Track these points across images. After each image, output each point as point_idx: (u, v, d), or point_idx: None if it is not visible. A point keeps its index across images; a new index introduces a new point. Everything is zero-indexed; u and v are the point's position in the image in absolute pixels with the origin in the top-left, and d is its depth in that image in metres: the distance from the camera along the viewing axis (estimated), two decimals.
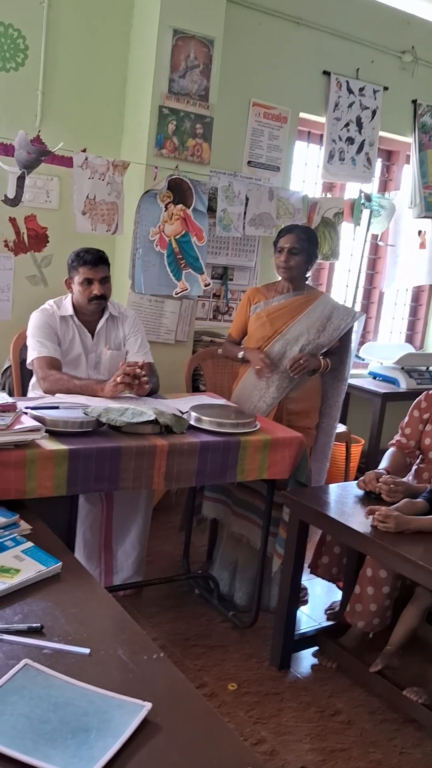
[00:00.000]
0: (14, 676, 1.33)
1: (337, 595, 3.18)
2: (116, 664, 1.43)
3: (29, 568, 1.72)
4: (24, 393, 3.12)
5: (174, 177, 3.67)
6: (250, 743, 2.21)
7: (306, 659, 2.75)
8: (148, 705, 1.27)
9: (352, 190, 4.84)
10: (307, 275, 3.18)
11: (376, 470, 2.68)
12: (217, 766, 1.17)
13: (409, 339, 5.66)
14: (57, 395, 2.70)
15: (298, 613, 2.89)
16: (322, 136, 4.65)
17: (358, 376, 4.95)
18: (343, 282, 5.11)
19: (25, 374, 3.15)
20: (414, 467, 2.87)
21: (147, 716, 1.25)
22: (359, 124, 4.74)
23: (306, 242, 3.08)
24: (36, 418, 2.25)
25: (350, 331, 3.17)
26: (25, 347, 3.05)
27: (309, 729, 2.35)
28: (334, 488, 2.76)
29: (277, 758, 2.19)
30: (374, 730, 2.37)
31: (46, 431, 2.20)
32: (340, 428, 4.40)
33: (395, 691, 2.40)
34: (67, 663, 1.40)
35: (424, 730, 2.36)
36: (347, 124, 4.69)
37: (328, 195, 4.72)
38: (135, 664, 1.43)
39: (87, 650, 1.45)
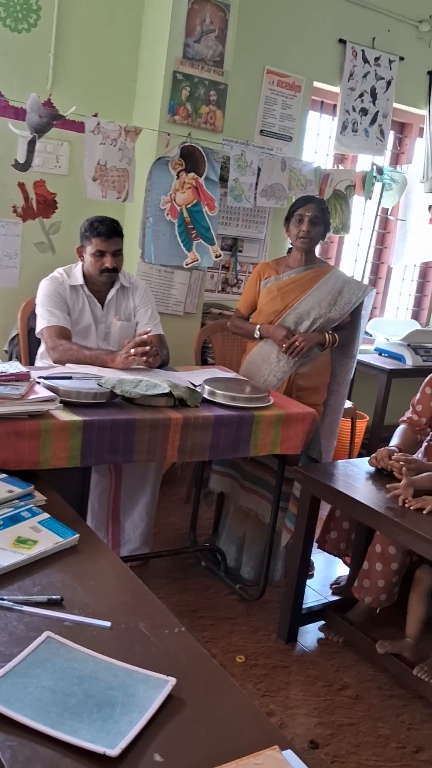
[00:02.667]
0: (37, 648, 1.31)
1: (342, 569, 3.19)
2: (138, 638, 1.42)
3: (46, 539, 1.70)
4: (31, 362, 3.08)
5: (186, 144, 3.59)
6: (263, 713, 2.21)
7: (313, 633, 2.76)
8: (173, 680, 1.26)
9: (363, 163, 4.77)
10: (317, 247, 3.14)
11: (388, 447, 2.67)
12: (244, 742, 1.16)
13: (416, 315, 5.63)
14: (67, 365, 2.66)
15: (306, 587, 2.89)
16: (335, 106, 4.57)
17: (364, 352, 4.92)
18: (351, 256, 5.05)
19: (33, 343, 3.11)
20: (425, 444, 2.86)
21: (172, 691, 1.24)
22: (373, 94, 4.65)
23: (325, 212, 3.04)
24: (49, 388, 2.22)
25: (361, 306, 3.14)
26: (33, 315, 3.00)
27: (317, 703, 2.36)
28: (345, 464, 2.75)
29: (286, 731, 2.20)
30: (382, 705, 2.39)
31: (60, 402, 2.18)
32: (347, 404, 4.38)
33: (403, 668, 2.41)
34: (89, 636, 1.39)
35: None
36: (361, 95, 4.60)
37: (340, 167, 4.64)
38: (157, 638, 1.42)
39: (108, 623, 1.44)
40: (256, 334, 3.07)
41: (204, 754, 1.13)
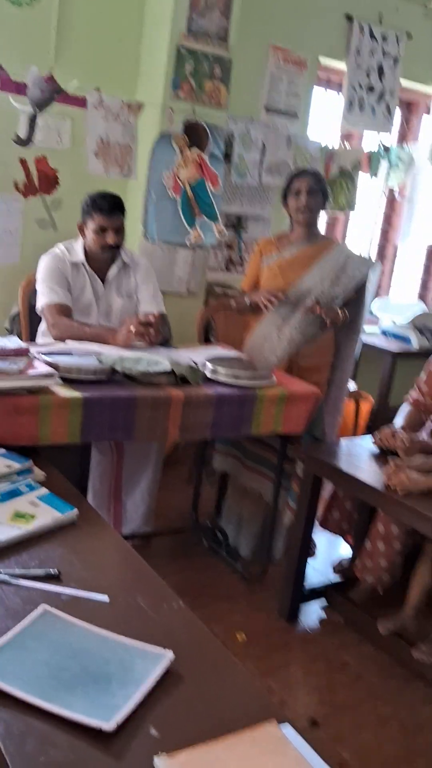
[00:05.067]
0: (33, 622, 1.30)
1: (344, 549, 3.18)
2: (136, 612, 1.40)
3: (45, 514, 1.68)
4: (33, 339, 3.05)
5: (190, 120, 3.54)
6: (261, 688, 2.20)
7: (314, 612, 2.75)
8: (171, 654, 1.24)
9: (370, 141, 4.70)
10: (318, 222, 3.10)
11: (392, 427, 2.64)
12: (241, 716, 1.14)
13: (422, 297, 5.57)
14: (68, 342, 2.64)
15: (308, 567, 2.88)
16: (341, 83, 4.50)
17: (369, 334, 4.87)
18: (357, 236, 5.00)
19: (34, 320, 3.08)
20: (429, 425, 2.83)
21: (169, 665, 1.23)
22: (380, 72, 4.58)
23: (321, 182, 3.01)
24: (49, 364, 2.19)
25: (365, 281, 3.09)
26: (34, 293, 2.97)
27: (317, 682, 2.35)
28: (347, 444, 2.73)
29: (286, 709, 2.19)
30: (383, 685, 2.38)
31: (60, 378, 2.15)
32: (350, 385, 4.35)
33: (404, 648, 2.40)
34: (86, 610, 1.38)
35: None
36: (368, 72, 4.53)
37: (346, 144, 4.58)
38: (155, 612, 1.40)
39: (106, 597, 1.42)
40: (247, 301, 3.03)
41: (201, 728, 1.11)
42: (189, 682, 1.22)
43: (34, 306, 2.94)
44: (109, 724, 1.07)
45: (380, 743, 2.12)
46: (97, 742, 1.05)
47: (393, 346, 4.71)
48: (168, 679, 1.21)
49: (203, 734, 1.09)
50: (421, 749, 2.13)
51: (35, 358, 2.18)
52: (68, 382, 2.19)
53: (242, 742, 1.09)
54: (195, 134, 3.58)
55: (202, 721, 1.13)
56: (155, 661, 1.23)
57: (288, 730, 1.14)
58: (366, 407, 4.57)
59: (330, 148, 4.31)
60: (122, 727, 1.08)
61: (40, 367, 2.12)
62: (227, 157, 3.80)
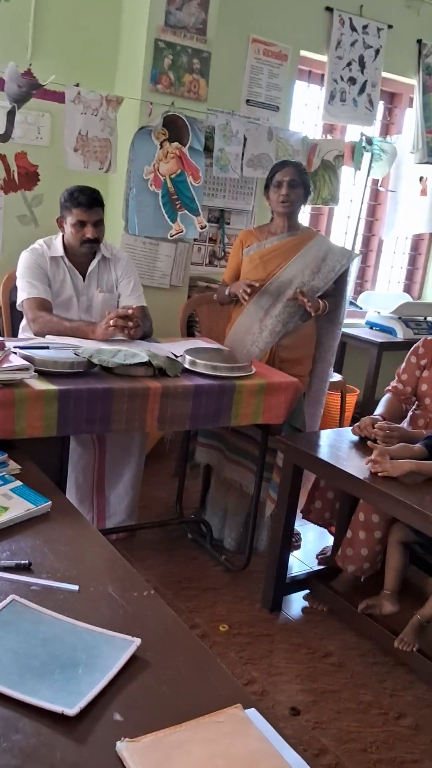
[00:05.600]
0: (1, 611, 1.30)
1: (330, 540, 3.18)
2: (106, 601, 1.41)
3: (18, 506, 1.69)
4: (15, 336, 3.05)
5: (169, 114, 3.54)
6: (240, 683, 2.21)
7: (297, 602, 2.76)
8: (138, 640, 1.25)
9: (352, 133, 4.70)
10: (300, 214, 3.10)
11: (371, 416, 2.65)
12: (207, 701, 1.15)
13: (407, 289, 5.59)
14: (47, 336, 2.64)
15: (291, 557, 2.89)
16: (323, 75, 4.50)
17: (355, 326, 4.90)
18: (342, 229, 5.01)
19: (16, 317, 3.07)
20: (410, 413, 2.84)
21: (136, 652, 1.23)
22: (362, 63, 4.58)
23: (303, 174, 3.01)
24: (25, 357, 2.19)
25: (346, 273, 3.10)
26: (15, 289, 2.97)
27: (299, 670, 2.36)
28: (328, 433, 2.73)
29: (268, 698, 2.20)
30: (365, 672, 2.39)
31: (36, 371, 2.15)
32: (336, 377, 4.36)
33: (386, 635, 2.41)
34: (56, 599, 1.38)
35: (415, 674, 2.38)
36: (349, 64, 4.53)
37: (329, 137, 4.58)
38: (125, 601, 1.41)
39: (76, 587, 1.42)
40: (226, 292, 3.03)
41: (166, 712, 1.12)
42: (156, 668, 1.22)
43: (15, 302, 2.93)
44: (72, 710, 1.07)
45: (361, 729, 2.13)
46: (61, 728, 1.06)
47: (378, 337, 4.73)
48: (135, 665, 1.22)
49: (168, 719, 1.10)
50: (402, 734, 2.14)
51: (11, 351, 2.18)
52: (44, 375, 2.19)
53: (206, 725, 1.09)
54: (175, 128, 3.58)
55: (167, 706, 1.14)
56: (122, 648, 1.24)
57: (254, 714, 1.14)
58: (352, 399, 4.59)
59: (312, 139, 4.31)
60: (86, 712, 1.09)
61: (16, 361, 2.12)
62: (208, 150, 3.80)
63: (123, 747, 1.02)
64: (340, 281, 3.09)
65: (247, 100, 4.16)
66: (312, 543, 3.26)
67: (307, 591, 2.79)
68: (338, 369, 4.65)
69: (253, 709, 1.15)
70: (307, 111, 4.64)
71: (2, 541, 1.57)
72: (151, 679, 1.19)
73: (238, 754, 1.06)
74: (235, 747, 1.07)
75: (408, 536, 2.48)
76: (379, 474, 2.25)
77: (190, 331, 3.63)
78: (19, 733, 1.04)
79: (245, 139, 3.98)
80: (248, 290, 2.88)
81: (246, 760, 1.05)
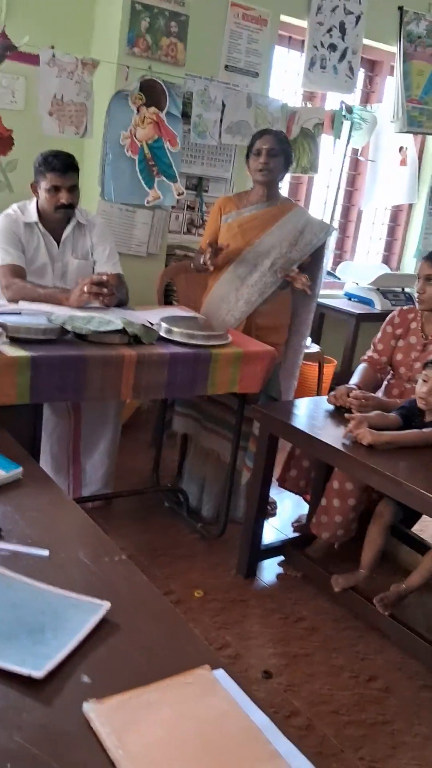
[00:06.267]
0: None
1: (305, 509, 3.21)
2: (77, 567, 1.40)
3: None
4: None
5: (146, 78, 3.47)
6: (214, 647, 2.24)
7: (272, 569, 2.79)
8: (107, 604, 1.25)
9: (333, 101, 4.65)
10: (280, 184, 3.06)
11: (346, 385, 2.66)
12: (176, 664, 1.15)
13: (386, 260, 5.58)
14: (20, 303, 2.60)
15: (267, 525, 2.91)
16: (303, 42, 4.43)
17: (333, 297, 4.89)
18: (321, 198, 4.97)
19: None
20: (384, 383, 2.85)
21: (106, 616, 1.23)
22: (342, 29, 4.51)
23: (285, 143, 2.96)
24: None
25: (323, 246, 3.09)
26: None
27: (272, 634, 2.39)
28: (304, 402, 2.74)
29: (241, 661, 2.23)
30: (337, 636, 2.43)
31: (8, 338, 2.13)
32: (313, 348, 4.37)
33: (359, 601, 2.44)
34: (26, 565, 1.38)
35: (387, 638, 2.42)
36: (330, 30, 4.46)
37: (308, 105, 4.53)
38: (97, 567, 1.41)
39: (46, 552, 1.42)
40: (201, 260, 2.98)
41: (134, 675, 1.12)
42: (126, 631, 1.22)
43: None
44: (39, 672, 1.07)
45: (332, 692, 2.17)
46: (28, 690, 1.06)
47: (356, 308, 4.73)
48: (105, 629, 1.22)
49: (137, 681, 1.10)
50: (372, 697, 2.18)
51: None
52: (17, 342, 2.17)
53: (174, 686, 1.10)
54: (152, 93, 3.52)
55: (136, 668, 1.15)
56: (91, 611, 1.24)
57: (222, 676, 1.15)
58: (329, 370, 4.60)
59: (291, 107, 4.25)
60: (54, 675, 1.09)
61: None
62: (186, 116, 3.74)
63: (90, 708, 1.02)
64: (317, 254, 3.08)
65: (226, 66, 4.09)
66: (288, 511, 3.28)
67: (282, 558, 2.82)
68: (316, 340, 4.66)
69: (221, 671, 1.16)
70: (286, 78, 4.58)
71: None
72: (120, 642, 1.20)
73: (205, 715, 1.07)
74: (203, 708, 1.08)
75: (394, 518, 2.49)
76: (359, 440, 2.27)
77: (167, 300, 3.60)
78: None
79: (224, 106, 3.92)
80: (209, 254, 2.83)
81: (213, 721, 1.06)
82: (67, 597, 1.27)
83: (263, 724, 1.09)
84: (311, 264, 3.07)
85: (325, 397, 2.69)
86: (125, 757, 0.96)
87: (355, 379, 2.74)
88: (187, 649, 1.22)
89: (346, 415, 2.41)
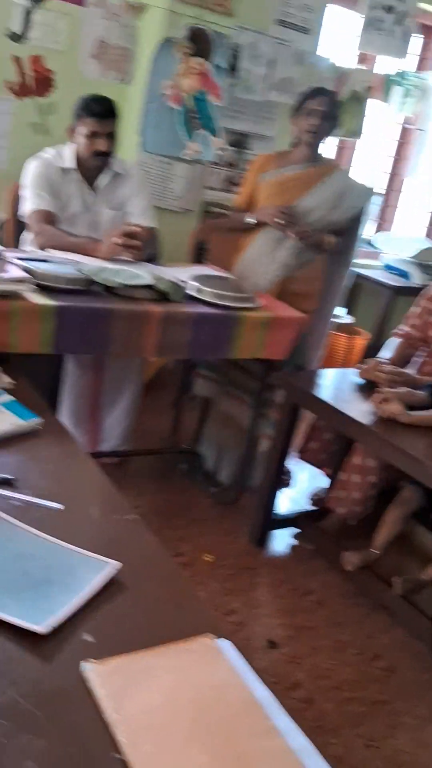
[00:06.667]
0: None
1: (324, 481, 3.17)
2: (88, 522, 1.38)
3: (6, 420, 1.64)
4: (17, 248, 2.96)
5: (195, 26, 3.35)
6: (220, 612, 2.23)
7: (285, 539, 2.76)
8: (116, 563, 1.22)
9: (384, 65, 4.48)
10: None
11: (377, 359, 2.59)
12: (180, 629, 1.13)
13: (429, 233, 5.42)
14: (49, 250, 2.55)
15: (283, 495, 2.88)
16: (358, 1, 4.24)
17: (370, 267, 4.77)
18: (364, 165, 4.82)
19: (21, 228, 2.98)
20: (419, 359, 2.78)
21: (115, 576, 1.20)
22: None
23: (337, 106, 2.86)
24: (24, 269, 2.12)
25: (361, 212, 2.99)
26: (21, 200, 2.86)
27: (280, 605, 2.37)
28: (331, 373, 2.68)
29: (246, 629, 2.22)
30: (344, 612, 2.40)
31: (35, 284, 2.08)
32: (346, 319, 4.28)
33: (369, 578, 2.41)
34: (36, 516, 1.35)
35: (394, 618, 2.39)
36: None
37: (360, 66, 4.36)
38: (108, 524, 1.38)
39: (60, 505, 1.39)
40: (250, 219, 2.90)
41: (137, 637, 1.10)
42: (132, 593, 1.20)
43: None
44: (42, 627, 1.05)
45: (335, 667, 2.15)
46: (28, 645, 1.04)
47: (394, 281, 4.61)
48: (111, 588, 1.19)
49: (139, 643, 1.07)
50: (375, 675, 2.16)
51: (10, 262, 2.11)
52: (43, 289, 2.12)
53: (175, 652, 1.07)
54: (199, 42, 3.40)
55: (139, 631, 1.12)
56: (99, 569, 1.21)
57: (225, 645, 1.12)
58: (360, 342, 4.51)
59: (342, 68, 4.10)
60: (57, 631, 1.07)
61: (14, 272, 2.05)
62: (232, 69, 3.61)
63: (89, 668, 1.00)
64: (355, 220, 2.98)
65: (278, 20, 3.93)
66: (305, 483, 3.24)
67: (295, 529, 2.79)
68: (350, 310, 4.57)
69: (225, 640, 1.13)
70: (339, 37, 4.40)
71: None
72: (126, 603, 1.17)
73: (204, 684, 1.04)
74: (203, 676, 1.05)
75: (418, 505, 2.44)
76: (384, 415, 2.21)
77: (199, 258, 3.53)
78: None
79: (272, 62, 3.78)
80: (282, 219, 2.76)
81: (212, 690, 1.03)
82: (77, 553, 1.25)
83: (264, 698, 1.06)
84: (348, 230, 2.97)
85: (353, 369, 2.63)
86: (120, 720, 0.94)
87: (387, 354, 2.67)
88: (192, 616, 1.19)
89: (376, 391, 2.35)
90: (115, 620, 1.13)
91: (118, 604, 1.17)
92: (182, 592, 1.24)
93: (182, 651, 1.07)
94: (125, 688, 0.99)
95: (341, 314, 4.38)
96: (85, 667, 1.00)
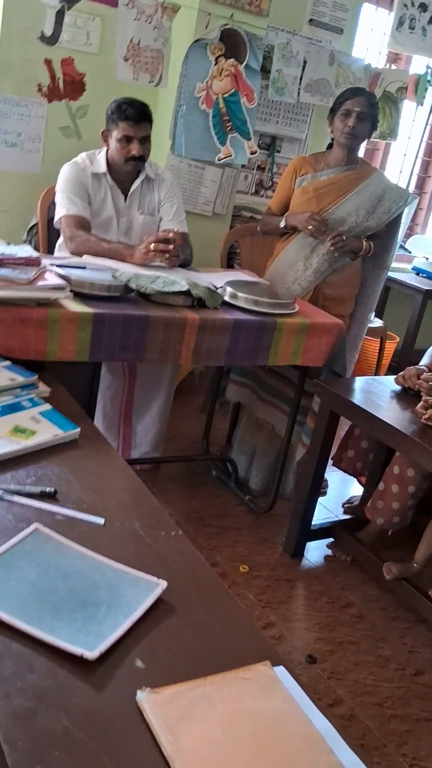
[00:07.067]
0: (23, 539, 1.24)
1: (356, 489, 3.11)
2: (131, 538, 1.34)
3: (46, 430, 1.61)
4: (50, 253, 2.94)
5: (228, 27, 3.31)
6: (258, 626, 2.18)
7: (320, 550, 2.71)
8: (164, 583, 1.18)
9: (418, 65, 4.41)
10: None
11: (417, 366, 2.53)
12: (233, 654, 1.08)
13: None
14: (84, 257, 2.52)
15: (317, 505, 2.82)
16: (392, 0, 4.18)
17: (400, 270, 4.70)
18: (397, 167, 4.75)
19: (52, 233, 2.96)
20: None
21: (161, 595, 1.16)
22: None
23: (375, 107, 2.77)
24: (61, 276, 2.09)
25: (400, 215, 2.92)
26: (54, 204, 2.84)
27: (318, 618, 2.32)
28: (368, 381, 2.62)
29: (285, 643, 2.16)
30: (385, 626, 2.34)
31: (71, 291, 2.05)
32: (377, 323, 4.21)
33: (410, 591, 2.35)
34: (80, 531, 1.31)
35: None
36: None
37: (393, 66, 4.30)
38: (151, 540, 1.34)
39: (101, 520, 1.35)
40: (282, 223, 2.86)
41: (189, 663, 1.05)
42: (181, 614, 1.15)
43: (53, 218, 2.81)
44: (92, 653, 1.01)
45: (377, 683, 2.09)
46: (78, 670, 1.00)
47: (425, 284, 4.54)
48: (159, 609, 1.15)
49: (192, 669, 1.03)
50: (418, 692, 2.10)
51: (47, 269, 2.08)
52: (80, 297, 2.09)
53: (232, 681, 1.03)
54: (232, 43, 3.36)
55: (191, 655, 1.08)
56: (147, 589, 1.17)
57: (282, 673, 1.08)
58: (391, 347, 4.45)
59: (375, 68, 4.04)
60: (106, 656, 1.03)
61: (51, 279, 2.02)
62: (264, 71, 3.57)
63: (144, 697, 0.96)
64: (393, 223, 2.92)
65: (311, 20, 3.88)
66: (338, 490, 3.19)
67: (331, 539, 2.73)
68: (379, 314, 4.50)
69: (281, 667, 1.08)
70: (372, 37, 4.34)
71: (28, 465, 1.50)
72: (175, 626, 1.13)
73: (263, 715, 0.99)
74: (261, 707, 1.00)
75: None
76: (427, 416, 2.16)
77: (230, 263, 3.49)
78: (35, 673, 0.98)
79: (305, 62, 3.73)
80: (316, 226, 2.71)
81: (272, 722, 0.99)
82: (123, 571, 1.20)
83: (324, 729, 1.01)
84: (386, 233, 2.91)
85: (390, 377, 2.57)
86: (178, 753, 0.90)
87: (425, 361, 2.61)
88: (245, 639, 1.14)
89: (424, 400, 2.28)
90: (165, 644, 1.09)
91: (167, 627, 1.12)
92: (232, 613, 1.20)
93: (239, 679, 1.03)
94: (182, 719, 0.94)
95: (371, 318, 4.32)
96: (140, 696, 0.96)
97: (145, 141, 2.67)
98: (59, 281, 2.02)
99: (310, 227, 2.73)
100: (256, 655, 1.09)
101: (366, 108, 2.72)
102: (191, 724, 0.94)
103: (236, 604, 1.24)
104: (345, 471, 2.82)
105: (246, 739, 0.95)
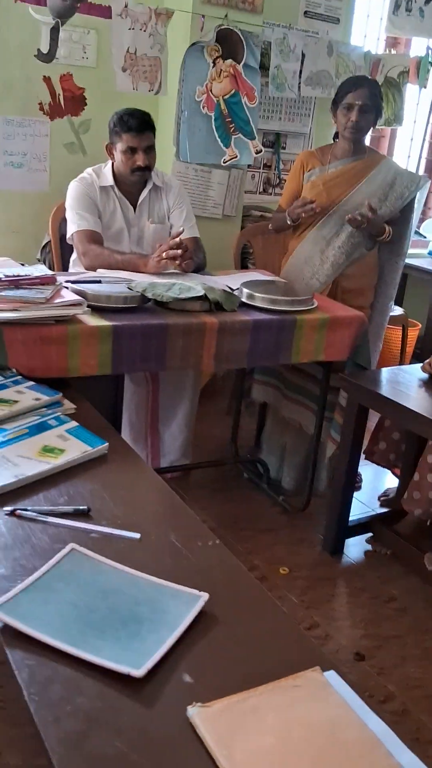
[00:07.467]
0: (60, 561, 1.23)
1: (390, 481, 3.08)
2: (169, 551, 1.32)
3: (74, 448, 1.61)
4: (65, 270, 2.95)
5: (223, 27, 3.29)
6: (303, 627, 2.16)
7: (359, 545, 2.68)
8: (205, 595, 1.16)
9: (418, 47, 4.36)
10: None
11: None
12: (282, 662, 1.06)
13: None
14: (98, 270, 2.52)
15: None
16: None
17: (417, 256, 4.64)
18: (404, 152, 4.70)
19: (66, 250, 2.97)
20: None
21: (204, 607, 1.15)
22: None
23: (378, 97, 2.74)
24: (77, 292, 2.09)
25: (413, 200, 2.88)
26: (65, 221, 2.85)
27: (363, 615, 2.29)
28: (395, 371, 2.59)
29: (332, 642, 2.14)
30: (429, 618, 2.31)
31: (88, 306, 2.05)
32: (397, 311, 4.17)
33: None
34: (116, 548, 1.30)
35: None
36: None
37: (392, 51, 4.25)
38: (188, 551, 1.32)
39: (137, 535, 1.34)
40: (288, 220, 2.83)
41: (238, 674, 1.04)
42: (225, 625, 1.14)
43: (65, 235, 2.82)
44: (139, 671, 1.00)
45: (427, 676, 2.06)
46: (126, 689, 0.99)
47: None
48: (202, 622, 1.13)
49: (241, 681, 1.02)
50: None
51: (63, 286, 2.08)
52: (97, 310, 2.09)
53: (282, 689, 1.01)
54: (229, 43, 3.34)
55: (239, 666, 1.06)
56: (189, 603, 1.15)
57: (333, 677, 1.06)
58: (413, 334, 4.39)
59: (375, 55, 4.00)
60: (153, 673, 1.01)
61: (68, 296, 2.02)
62: (263, 68, 3.55)
63: (195, 712, 0.94)
64: (407, 209, 2.88)
65: (306, 12, 3.86)
66: (372, 484, 3.15)
67: (370, 534, 2.70)
68: (399, 302, 4.45)
69: (332, 672, 1.06)
70: (369, 23, 4.30)
71: (59, 485, 1.49)
72: (220, 637, 1.11)
73: (316, 722, 0.97)
74: (314, 714, 0.99)
75: None
76: None
77: (243, 263, 3.47)
78: (84, 696, 0.97)
79: (303, 56, 3.70)
80: (309, 211, 2.68)
81: (325, 728, 0.97)
82: (163, 586, 1.19)
83: (381, 731, 0.99)
84: (400, 219, 2.88)
85: (417, 366, 2.54)
86: (234, 766, 0.88)
87: None
88: (292, 646, 1.13)
89: None
90: (211, 657, 1.07)
91: (212, 639, 1.11)
92: (277, 620, 1.18)
93: (289, 687, 1.01)
94: (234, 731, 0.93)
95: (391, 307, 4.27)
96: (191, 711, 0.94)
97: (150, 150, 2.67)
98: (75, 297, 2.02)
99: (297, 211, 2.71)
100: (305, 661, 1.07)
101: (368, 99, 2.68)
102: (245, 737, 0.93)
103: (280, 610, 1.22)
104: (378, 464, 2.79)
105: (301, 748, 0.93)
